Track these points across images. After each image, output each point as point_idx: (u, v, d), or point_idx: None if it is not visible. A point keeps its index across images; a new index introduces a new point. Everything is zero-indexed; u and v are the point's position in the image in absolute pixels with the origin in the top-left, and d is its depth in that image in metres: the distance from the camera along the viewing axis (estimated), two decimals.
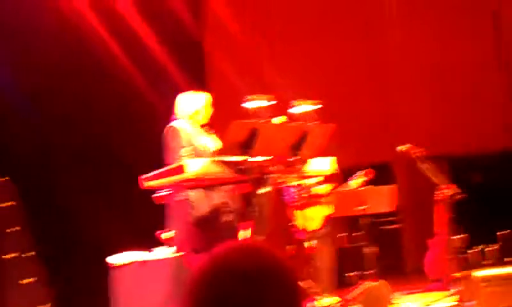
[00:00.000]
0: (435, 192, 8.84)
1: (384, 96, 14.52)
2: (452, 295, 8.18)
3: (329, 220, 9.28)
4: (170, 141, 6.87)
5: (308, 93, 7.97)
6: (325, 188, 8.49)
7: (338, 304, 7.08)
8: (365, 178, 9.29)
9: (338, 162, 7.53)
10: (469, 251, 12.03)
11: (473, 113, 13.81)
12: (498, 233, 12.22)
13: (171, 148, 6.84)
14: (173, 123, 6.99)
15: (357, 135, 13.57)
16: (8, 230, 9.82)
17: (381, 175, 13.35)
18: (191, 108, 7.13)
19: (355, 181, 9.22)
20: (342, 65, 14.35)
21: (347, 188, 9.22)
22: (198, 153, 6.75)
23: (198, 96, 7.22)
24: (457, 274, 8.58)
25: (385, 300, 7.36)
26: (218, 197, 6.87)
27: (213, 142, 7.06)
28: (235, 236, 6.85)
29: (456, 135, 13.83)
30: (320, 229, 9.20)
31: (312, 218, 9.03)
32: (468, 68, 13.91)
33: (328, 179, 8.68)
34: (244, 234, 6.90)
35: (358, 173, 9.29)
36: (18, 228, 9.89)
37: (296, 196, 8.87)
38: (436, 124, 13.91)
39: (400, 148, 8.97)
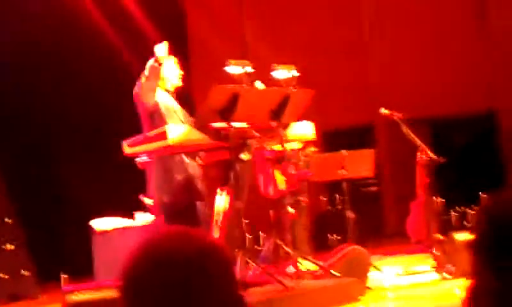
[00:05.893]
0: (417, 155, 8.85)
1: (365, 59, 14.51)
2: (432, 257, 8.23)
3: (303, 184, 9.22)
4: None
5: (288, 58, 7.95)
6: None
7: (319, 270, 7.09)
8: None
9: (319, 126, 7.51)
10: (451, 214, 12.10)
11: (455, 75, 13.81)
12: (480, 195, 12.22)
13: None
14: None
15: (338, 99, 13.58)
16: None
17: (362, 138, 13.41)
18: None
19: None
20: (323, 29, 14.31)
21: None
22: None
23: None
24: (439, 236, 8.63)
25: (365, 264, 7.40)
26: (192, 166, 6.87)
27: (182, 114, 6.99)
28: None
29: (438, 97, 13.84)
30: (287, 191, 9.05)
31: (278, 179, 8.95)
32: (450, 30, 13.89)
33: (308, 144, 8.65)
34: (221, 198, 6.87)
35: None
36: None
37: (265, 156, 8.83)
38: (418, 87, 13.92)
39: (382, 110, 8.97)
